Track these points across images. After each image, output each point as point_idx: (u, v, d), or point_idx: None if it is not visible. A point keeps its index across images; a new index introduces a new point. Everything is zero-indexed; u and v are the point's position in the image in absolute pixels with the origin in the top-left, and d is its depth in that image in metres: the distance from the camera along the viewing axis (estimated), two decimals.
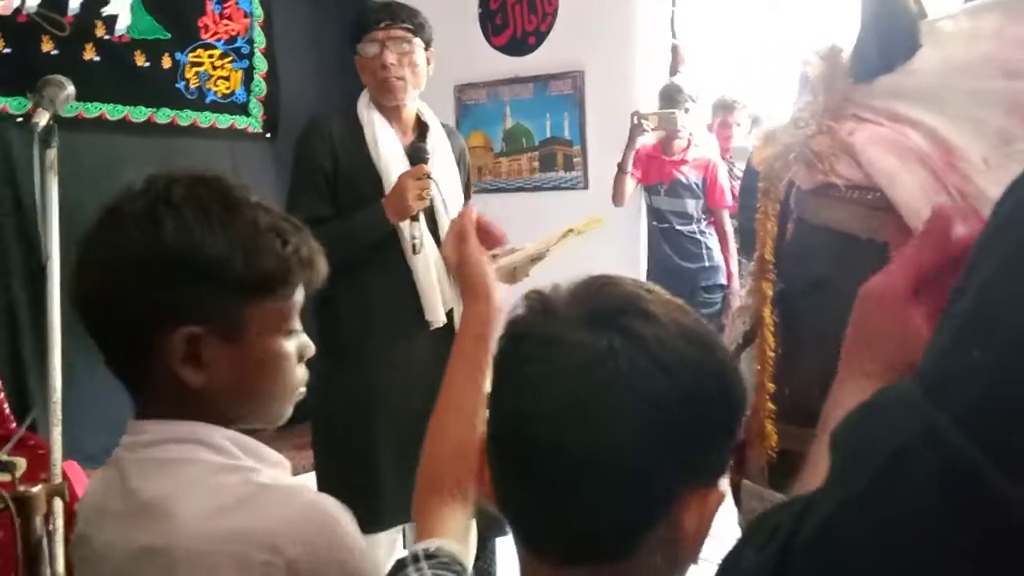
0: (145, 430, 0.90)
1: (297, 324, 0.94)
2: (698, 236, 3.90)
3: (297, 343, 0.94)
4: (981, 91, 0.85)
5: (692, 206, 3.91)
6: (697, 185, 3.91)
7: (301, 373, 0.96)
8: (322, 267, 0.95)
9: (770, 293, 0.96)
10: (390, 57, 2.21)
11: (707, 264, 3.89)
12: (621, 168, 3.86)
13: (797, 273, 0.94)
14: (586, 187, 4.27)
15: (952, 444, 0.39)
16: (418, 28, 2.24)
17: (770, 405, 0.94)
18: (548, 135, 4.37)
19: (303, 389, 0.98)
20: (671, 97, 3.85)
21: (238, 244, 0.86)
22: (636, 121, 3.77)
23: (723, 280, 3.89)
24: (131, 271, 0.86)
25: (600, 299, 0.66)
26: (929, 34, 0.90)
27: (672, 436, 0.61)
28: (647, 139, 3.95)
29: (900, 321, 0.66)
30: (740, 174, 4.05)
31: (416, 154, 2.21)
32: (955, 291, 0.47)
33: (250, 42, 3.98)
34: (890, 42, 0.88)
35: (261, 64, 4.04)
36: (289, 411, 0.97)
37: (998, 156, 0.84)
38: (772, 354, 0.94)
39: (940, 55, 0.88)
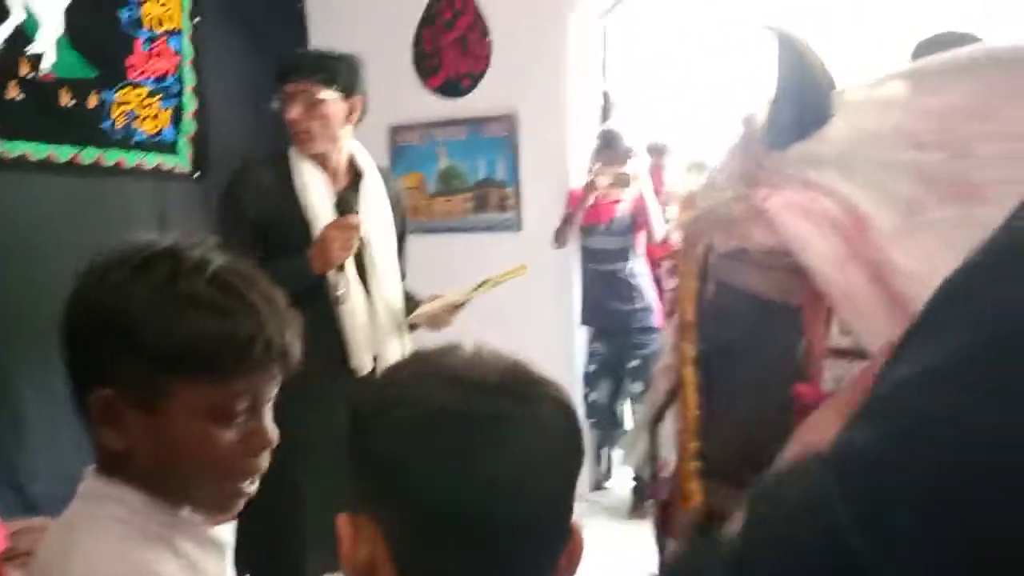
0: (84, 479, 0.90)
1: (242, 410, 0.90)
2: (632, 278, 3.95)
3: (243, 432, 0.90)
4: (891, 161, 0.88)
5: (631, 243, 3.97)
6: (633, 222, 3.96)
7: (250, 465, 0.92)
8: (289, 355, 0.92)
9: (691, 353, 0.97)
10: (293, 112, 2.20)
11: (641, 306, 3.93)
12: (569, 221, 3.91)
13: (717, 334, 0.96)
14: (520, 228, 4.29)
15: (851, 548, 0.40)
16: (330, 79, 2.22)
17: (693, 464, 0.95)
18: (482, 176, 4.40)
19: (253, 483, 0.93)
20: (611, 144, 3.91)
21: (161, 315, 0.85)
22: (591, 178, 3.83)
23: (656, 322, 3.93)
24: (73, 324, 0.88)
25: (507, 370, 0.71)
26: (841, 103, 0.93)
27: (571, 486, 0.70)
28: (582, 181, 4.00)
29: None
30: (670, 216, 4.12)
31: (343, 204, 2.20)
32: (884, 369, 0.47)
33: (180, 80, 3.93)
34: (803, 111, 0.91)
35: (191, 103, 3.98)
36: (235, 505, 0.93)
37: (907, 225, 0.87)
38: (694, 414, 0.95)
39: (852, 124, 0.91)
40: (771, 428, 0.79)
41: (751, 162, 0.94)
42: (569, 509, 0.69)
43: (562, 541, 0.69)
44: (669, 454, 1.02)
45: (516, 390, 0.68)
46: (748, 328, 0.93)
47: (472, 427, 0.66)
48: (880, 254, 0.86)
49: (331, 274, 2.17)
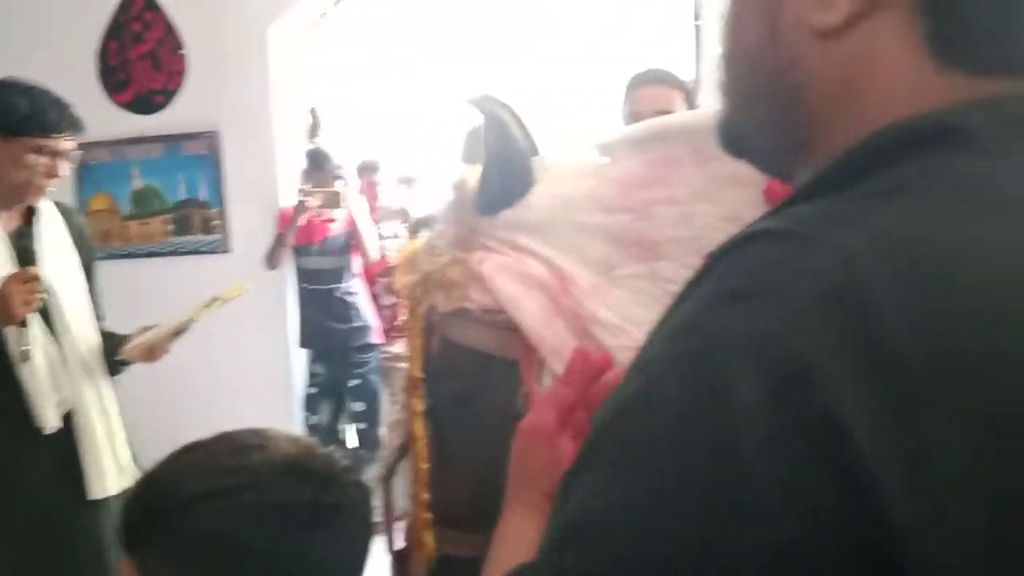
0: None
1: None
2: (349, 296, 3.96)
3: None
4: (585, 224, 0.99)
5: (346, 263, 3.97)
6: (347, 242, 3.97)
7: None
8: None
9: (420, 408, 1.02)
10: (64, 169, 2.04)
11: (358, 324, 3.95)
12: (281, 242, 3.84)
13: (443, 388, 1.02)
14: (228, 250, 4.14)
15: None
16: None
17: (426, 514, 1.00)
18: (183, 197, 4.19)
19: None
20: (320, 163, 3.90)
21: None
22: (301, 199, 3.80)
23: (374, 339, 3.98)
24: None
25: (324, 457, 0.79)
26: (542, 170, 1.03)
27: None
28: (291, 200, 3.95)
29: (550, 455, 0.72)
30: (385, 233, 4.19)
31: (23, 254, 2.01)
32: (575, 467, 0.48)
33: None
34: (508, 180, 0.99)
35: None
36: None
37: (603, 281, 0.98)
38: (425, 466, 1.01)
39: (551, 191, 1.01)
40: (496, 475, 0.86)
41: (465, 228, 1.01)
42: None
43: None
44: (403, 506, 1.06)
45: (338, 477, 0.75)
46: (472, 381, 1.00)
47: (311, 515, 0.72)
48: (581, 309, 0.97)
49: (11, 331, 1.98)
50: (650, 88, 2.27)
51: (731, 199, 0.99)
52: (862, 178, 0.46)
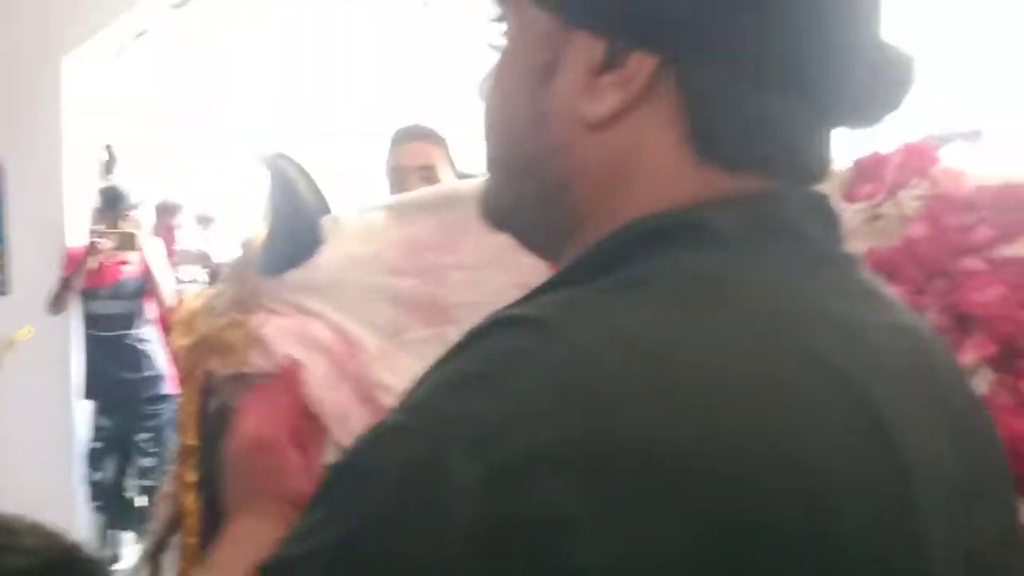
0: None
1: None
2: (140, 344, 3.74)
3: None
4: (373, 286, 0.97)
5: (138, 308, 3.76)
6: (141, 286, 3.76)
7: None
8: None
9: (193, 479, 0.96)
10: None
11: (150, 374, 3.73)
12: (67, 286, 3.58)
13: (220, 457, 0.96)
14: (6, 292, 3.83)
15: None
16: None
17: None
18: None
19: None
20: (114, 202, 3.70)
21: None
22: (92, 240, 3.59)
23: (167, 390, 3.76)
24: None
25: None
26: (332, 230, 1.00)
27: None
28: (81, 240, 3.70)
29: (281, 463, 0.78)
30: (184, 278, 4.00)
31: None
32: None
33: None
34: (295, 240, 0.96)
35: None
36: None
37: (390, 345, 0.96)
38: (194, 541, 0.94)
39: (342, 251, 0.99)
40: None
41: (247, 288, 0.96)
42: None
43: None
44: None
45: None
46: None
47: None
48: (367, 373, 0.94)
49: None
50: (413, 144, 2.36)
51: (522, 266, 1.00)
52: (610, 270, 0.47)
